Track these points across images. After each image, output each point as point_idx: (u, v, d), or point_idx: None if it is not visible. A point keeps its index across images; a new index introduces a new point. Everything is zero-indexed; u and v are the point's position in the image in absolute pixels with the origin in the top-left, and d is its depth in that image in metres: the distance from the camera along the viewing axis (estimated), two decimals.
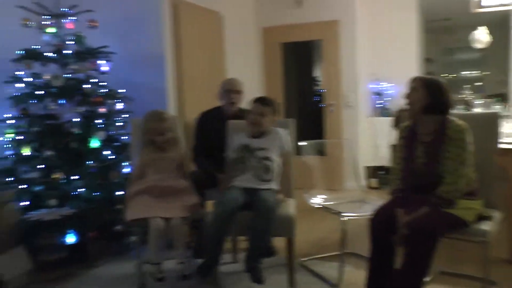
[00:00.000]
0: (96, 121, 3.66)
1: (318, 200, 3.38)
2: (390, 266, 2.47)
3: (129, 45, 4.38)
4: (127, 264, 3.39)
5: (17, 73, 3.64)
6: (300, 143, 3.54)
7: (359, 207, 3.25)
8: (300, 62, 7.22)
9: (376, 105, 6.24)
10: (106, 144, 3.69)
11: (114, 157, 3.69)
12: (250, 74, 6.01)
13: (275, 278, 3.00)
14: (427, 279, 2.35)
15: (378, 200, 3.32)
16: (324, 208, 3.24)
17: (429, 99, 2.47)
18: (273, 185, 2.88)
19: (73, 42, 3.74)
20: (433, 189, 2.39)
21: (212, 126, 3.55)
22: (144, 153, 3.12)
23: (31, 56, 3.62)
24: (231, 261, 3.31)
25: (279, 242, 3.23)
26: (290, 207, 2.86)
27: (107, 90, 3.83)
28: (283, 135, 3.01)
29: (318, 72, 7.29)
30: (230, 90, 3.57)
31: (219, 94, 3.65)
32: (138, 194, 2.93)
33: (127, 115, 3.90)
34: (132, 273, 3.10)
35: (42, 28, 3.66)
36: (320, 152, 4.39)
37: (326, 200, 3.40)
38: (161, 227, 2.71)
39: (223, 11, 5.28)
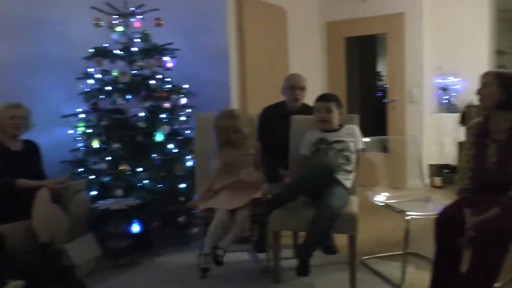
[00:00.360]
0: (160, 116, 3.78)
1: (381, 197, 3.31)
2: (455, 270, 2.38)
3: (194, 42, 4.49)
4: (189, 254, 3.48)
5: (88, 70, 3.83)
6: (363, 139, 3.48)
7: (423, 206, 3.15)
8: (363, 57, 7.08)
9: (442, 101, 5.98)
10: (170, 137, 3.80)
11: (177, 150, 3.80)
12: (313, 69, 5.96)
13: (336, 276, 2.97)
14: (495, 285, 2.23)
15: (443, 199, 3.20)
16: (387, 206, 3.16)
17: (503, 94, 2.34)
18: (350, 180, 2.86)
19: (140, 40, 3.88)
20: (505, 190, 2.26)
21: (275, 122, 3.55)
22: (222, 153, 3.14)
23: (101, 54, 3.80)
24: (291, 257, 3.31)
25: (341, 240, 3.19)
26: (353, 204, 2.82)
27: (171, 85, 3.95)
28: (357, 131, 3.01)
29: (381, 67, 7.11)
30: (295, 86, 3.56)
31: (282, 90, 3.65)
32: (213, 190, 3.01)
33: (191, 110, 4.00)
34: (193, 263, 3.18)
35: (111, 27, 3.83)
36: (383, 148, 4.28)
37: (389, 198, 3.32)
38: (225, 220, 2.76)
39: (287, 6, 5.26)
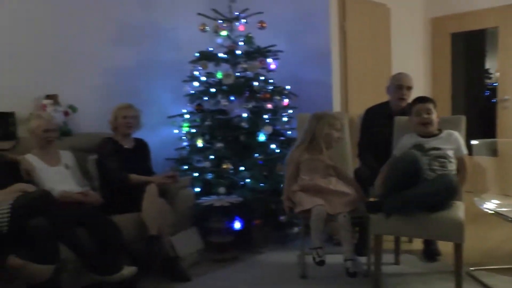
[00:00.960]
0: (263, 116, 3.87)
1: (490, 205, 3.11)
2: None
3: (296, 43, 4.54)
4: (290, 253, 3.53)
5: (194, 73, 4.04)
6: (470, 142, 3.29)
7: None
8: (470, 54, 6.66)
9: None
10: (272, 138, 3.89)
11: (279, 151, 3.87)
12: (416, 68, 5.73)
13: (440, 286, 2.85)
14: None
15: None
16: (497, 215, 2.97)
17: None
18: None
19: (243, 43, 4.00)
20: None
21: (378, 122, 3.49)
22: (297, 151, 3.15)
23: (206, 57, 3.98)
24: (393, 262, 3.23)
25: (445, 247, 3.05)
26: (459, 210, 2.68)
27: (274, 86, 4.03)
28: (458, 137, 2.87)
29: (490, 64, 6.65)
30: (402, 85, 3.46)
31: (388, 89, 3.56)
32: (299, 190, 3.02)
33: (292, 111, 4.06)
34: (294, 262, 3.23)
35: (216, 31, 4.00)
36: (493, 152, 4.01)
37: (499, 205, 3.10)
38: (323, 214, 2.76)
39: (390, 3, 5.12)
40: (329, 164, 3.08)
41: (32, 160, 3.01)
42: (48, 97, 3.58)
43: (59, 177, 3.06)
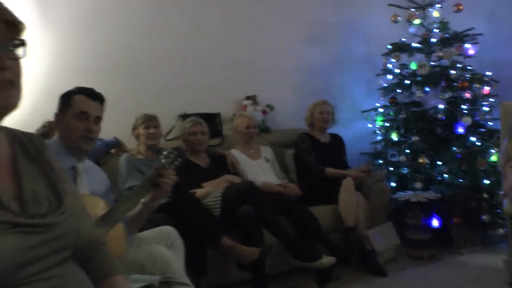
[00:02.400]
0: (461, 107, 3.60)
1: None
2: None
3: (498, 23, 4.13)
4: (493, 257, 3.22)
5: (387, 65, 3.96)
6: None
7: None
8: None
9: None
10: (471, 130, 3.60)
11: (480, 143, 3.56)
12: None
13: None
14: None
15: None
16: None
17: None
18: None
19: (438, 30, 3.78)
20: None
21: None
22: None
23: (399, 48, 3.87)
24: None
25: None
26: None
27: (472, 74, 3.72)
28: None
29: None
30: None
31: None
32: None
33: (494, 99, 3.69)
34: (498, 267, 2.93)
35: (409, 20, 3.85)
36: None
37: None
38: None
39: None
40: None
41: (237, 154, 3.34)
42: (248, 98, 3.92)
43: (260, 170, 3.34)
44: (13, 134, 1.12)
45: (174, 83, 3.70)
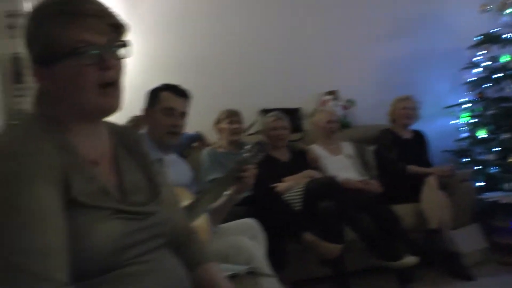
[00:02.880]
0: None
1: None
2: None
3: None
4: None
5: (474, 59, 3.76)
6: None
7: None
8: None
9: None
10: None
11: None
12: None
13: None
14: None
15: None
16: None
17: None
18: None
19: None
20: None
21: None
22: None
23: (489, 40, 3.66)
24: None
25: None
26: None
27: None
28: None
29: None
30: None
31: None
32: None
33: None
34: None
35: (502, 9, 3.63)
36: None
37: None
38: None
39: None
40: None
41: (317, 150, 3.34)
42: (329, 93, 3.89)
43: (341, 166, 3.30)
44: (113, 128, 1.19)
45: (256, 78, 3.77)
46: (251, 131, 3.67)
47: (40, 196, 0.91)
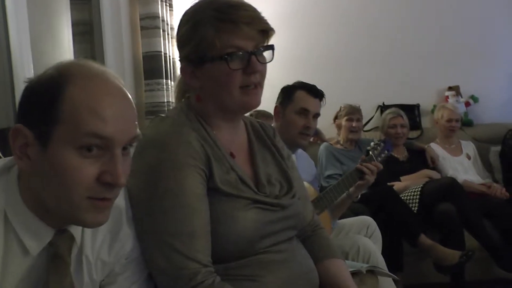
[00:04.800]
0: None
1: None
2: None
3: None
4: None
5: None
6: None
7: None
8: None
9: None
10: None
11: None
12: None
13: None
14: None
15: None
16: None
17: None
18: None
19: None
20: None
21: None
22: None
23: None
24: None
25: None
26: None
27: None
28: None
29: None
30: None
31: None
32: None
33: None
34: None
35: None
36: None
37: None
38: None
39: None
40: None
41: (436, 149, 3.18)
42: (450, 88, 3.68)
43: (461, 167, 3.13)
44: (249, 122, 1.26)
45: (375, 73, 3.68)
46: (368, 127, 3.60)
47: (187, 182, 1.01)
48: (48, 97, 0.74)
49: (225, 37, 1.03)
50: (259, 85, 1.09)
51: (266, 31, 1.08)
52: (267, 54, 1.10)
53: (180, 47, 1.12)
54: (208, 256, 1.01)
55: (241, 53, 1.04)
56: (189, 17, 1.10)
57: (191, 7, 1.11)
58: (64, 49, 1.99)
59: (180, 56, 1.13)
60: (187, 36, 1.09)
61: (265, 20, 1.08)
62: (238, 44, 1.04)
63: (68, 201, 0.76)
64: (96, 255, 0.90)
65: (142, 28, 2.60)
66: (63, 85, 0.75)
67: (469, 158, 3.21)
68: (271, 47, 1.10)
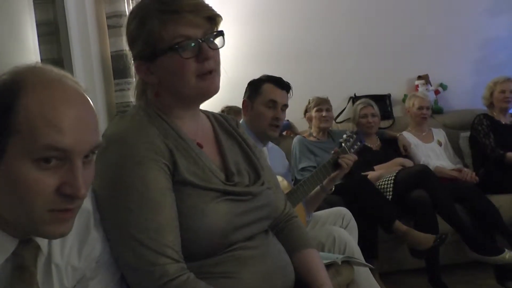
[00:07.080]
0: None
1: None
2: None
3: None
4: None
5: None
6: None
7: None
8: None
9: None
10: None
11: None
12: None
13: None
14: None
15: None
16: None
17: None
18: None
19: None
20: None
21: None
22: None
23: None
24: None
25: None
26: None
27: None
28: None
29: None
30: None
31: None
32: None
33: None
34: None
35: None
36: None
37: None
38: None
39: None
40: None
41: (408, 136, 3.24)
42: (420, 77, 3.74)
43: (433, 153, 3.19)
44: (212, 115, 1.27)
45: (345, 65, 3.71)
46: (340, 119, 3.64)
47: (149, 177, 1.00)
48: (1, 106, 0.70)
49: (170, 28, 1.04)
50: (214, 72, 1.09)
51: (213, 18, 1.08)
52: (218, 40, 1.11)
53: (131, 45, 1.12)
54: (179, 251, 1.00)
55: (190, 41, 1.05)
56: (135, 14, 1.10)
57: (137, 4, 1.12)
58: (29, 50, 1.95)
59: (132, 55, 1.12)
60: (135, 33, 1.09)
61: (210, 7, 1.08)
62: (185, 33, 1.04)
63: (28, 215, 0.72)
64: (66, 261, 0.88)
65: (109, 27, 2.56)
66: (17, 93, 0.70)
67: (440, 144, 3.28)
68: (221, 33, 1.11)
